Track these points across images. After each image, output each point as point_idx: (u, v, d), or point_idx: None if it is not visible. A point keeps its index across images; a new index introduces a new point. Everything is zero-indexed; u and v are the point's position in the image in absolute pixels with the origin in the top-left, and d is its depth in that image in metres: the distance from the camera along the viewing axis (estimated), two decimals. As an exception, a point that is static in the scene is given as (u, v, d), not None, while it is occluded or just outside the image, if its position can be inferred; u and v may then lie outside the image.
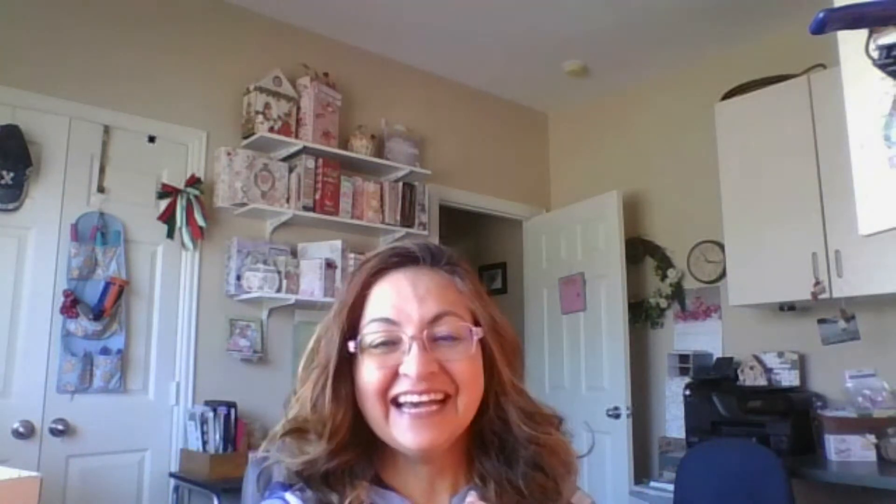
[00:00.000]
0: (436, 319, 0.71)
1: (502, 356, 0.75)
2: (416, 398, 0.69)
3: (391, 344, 0.71)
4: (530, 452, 0.74)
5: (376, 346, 0.71)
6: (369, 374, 0.70)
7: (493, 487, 0.74)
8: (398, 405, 0.70)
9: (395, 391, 0.70)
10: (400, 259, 0.75)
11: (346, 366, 0.72)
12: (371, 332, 0.71)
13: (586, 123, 4.46)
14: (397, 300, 0.72)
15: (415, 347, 0.69)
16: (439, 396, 0.70)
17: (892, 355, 2.97)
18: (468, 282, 0.76)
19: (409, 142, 3.73)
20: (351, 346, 0.71)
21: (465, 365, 0.71)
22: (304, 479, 0.71)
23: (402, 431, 0.69)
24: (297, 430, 0.72)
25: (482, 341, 0.73)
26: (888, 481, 2.51)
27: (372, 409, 0.71)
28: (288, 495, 0.71)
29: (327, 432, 0.70)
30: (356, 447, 0.72)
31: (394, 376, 0.70)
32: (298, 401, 0.74)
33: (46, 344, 2.65)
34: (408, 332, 0.70)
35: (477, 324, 0.74)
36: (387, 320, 0.71)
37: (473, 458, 0.76)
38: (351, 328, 0.73)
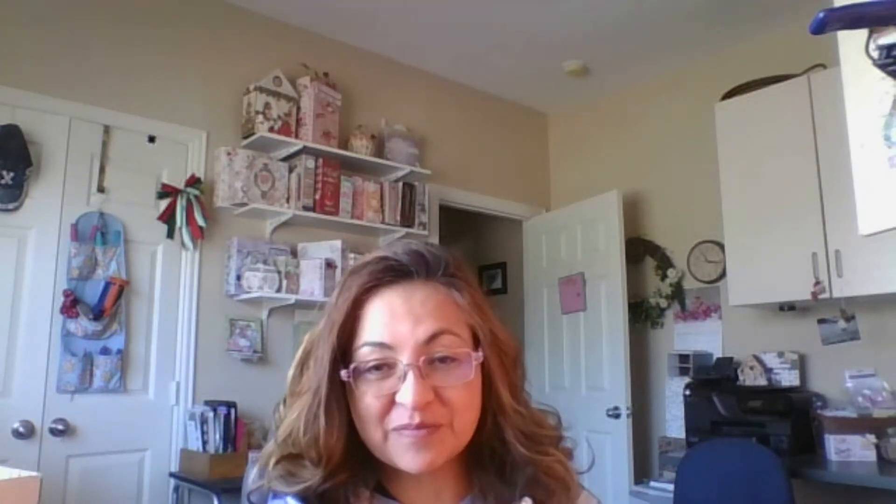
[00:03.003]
0: (432, 339, 0.68)
1: (502, 374, 0.73)
2: (413, 432, 0.67)
3: (385, 368, 0.68)
4: (528, 472, 0.73)
5: (370, 372, 0.68)
6: (366, 402, 0.68)
7: (492, 500, 0.74)
8: (395, 429, 0.69)
9: (392, 424, 0.68)
10: (392, 276, 0.71)
11: (338, 388, 0.69)
12: (364, 357, 0.68)
13: (586, 123, 4.46)
14: (390, 321, 0.69)
15: (410, 376, 0.66)
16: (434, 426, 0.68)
17: (892, 355, 2.97)
18: (466, 294, 0.72)
19: (409, 142, 3.73)
20: (343, 374, 0.68)
21: (461, 392, 0.69)
22: (302, 499, 0.69)
23: (400, 454, 0.68)
24: (291, 456, 0.70)
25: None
26: (888, 481, 2.51)
27: (371, 434, 0.69)
28: (290, 500, 0.70)
29: (324, 459, 0.68)
30: (351, 466, 0.70)
31: (391, 403, 0.68)
32: (288, 422, 0.71)
33: (46, 344, 2.65)
34: (403, 357, 0.67)
35: (476, 339, 0.72)
36: (380, 344, 0.68)
37: (473, 469, 0.76)
38: (342, 348, 0.69)
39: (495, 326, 0.74)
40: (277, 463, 0.70)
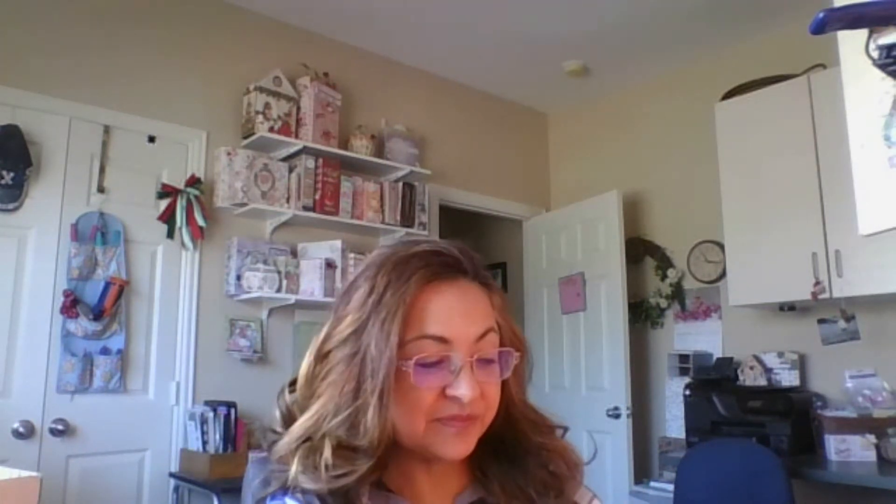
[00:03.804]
0: (481, 337, 0.72)
1: (515, 371, 0.76)
2: (461, 422, 0.70)
3: (440, 363, 0.70)
4: (541, 459, 0.77)
5: (426, 365, 0.69)
6: (418, 393, 0.69)
7: (496, 487, 0.76)
8: (441, 419, 0.70)
9: (439, 414, 0.70)
10: (449, 271, 0.73)
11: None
12: (423, 349, 0.69)
13: (586, 123, 4.46)
14: (449, 317, 0.70)
15: (466, 372, 0.69)
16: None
17: (892, 355, 2.97)
18: (497, 296, 0.76)
19: (409, 142, 3.73)
20: (404, 364, 0.69)
21: (495, 387, 0.73)
22: (306, 498, 0.69)
23: (443, 443, 0.70)
24: (347, 447, 0.69)
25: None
26: (888, 481, 2.51)
27: (414, 423, 0.70)
28: (288, 499, 0.70)
29: (381, 447, 0.69)
30: (380, 459, 0.71)
31: (440, 395, 0.70)
32: (348, 412, 0.69)
33: (46, 344, 2.65)
34: (459, 352, 0.70)
35: (501, 339, 0.75)
36: (440, 338, 0.70)
37: (474, 459, 0.77)
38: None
39: (515, 326, 0.78)
40: (333, 451, 0.69)
